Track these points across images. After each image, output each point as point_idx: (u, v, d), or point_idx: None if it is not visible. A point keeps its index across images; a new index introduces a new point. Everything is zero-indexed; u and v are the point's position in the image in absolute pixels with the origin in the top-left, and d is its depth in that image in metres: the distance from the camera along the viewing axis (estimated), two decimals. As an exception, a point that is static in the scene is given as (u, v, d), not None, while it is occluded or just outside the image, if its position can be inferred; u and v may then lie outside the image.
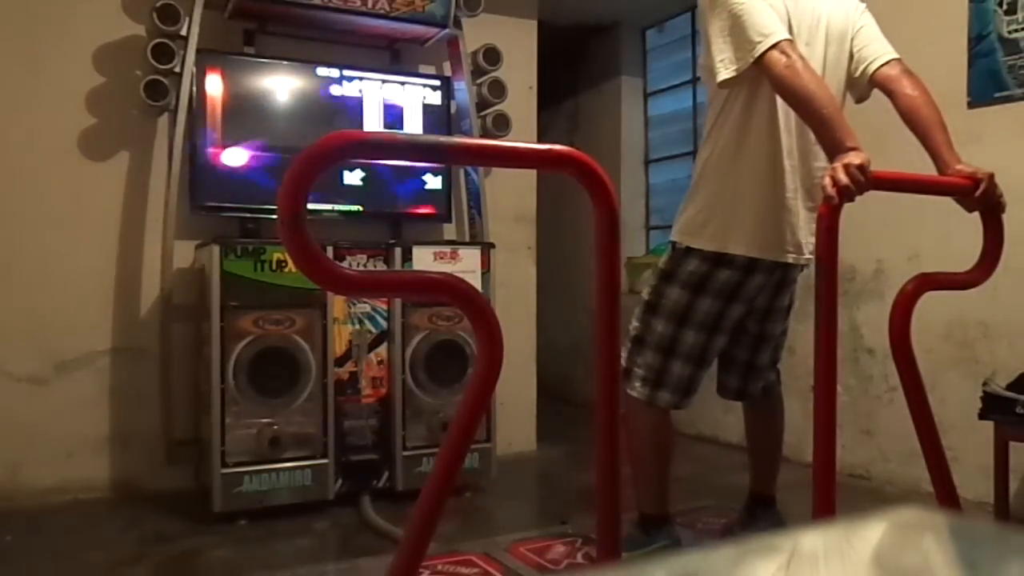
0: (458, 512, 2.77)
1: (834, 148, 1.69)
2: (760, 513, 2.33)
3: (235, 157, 3.04)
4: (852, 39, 2.02)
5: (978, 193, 1.74)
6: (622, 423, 2.10)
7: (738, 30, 1.81)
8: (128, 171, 3.10)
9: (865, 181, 1.60)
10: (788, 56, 1.75)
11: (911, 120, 1.89)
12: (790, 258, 2.03)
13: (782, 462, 2.40)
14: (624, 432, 2.10)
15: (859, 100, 2.09)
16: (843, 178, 1.59)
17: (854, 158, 1.62)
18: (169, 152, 2.95)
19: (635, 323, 2.11)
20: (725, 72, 1.85)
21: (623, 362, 2.07)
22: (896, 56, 2.00)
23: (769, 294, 2.13)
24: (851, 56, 2.03)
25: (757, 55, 1.77)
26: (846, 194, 1.60)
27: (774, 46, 1.76)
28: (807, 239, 2.03)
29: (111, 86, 3.06)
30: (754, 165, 1.96)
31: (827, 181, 1.63)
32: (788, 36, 1.80)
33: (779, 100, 1.90)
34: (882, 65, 1.98)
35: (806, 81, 1.74)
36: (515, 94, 3.59)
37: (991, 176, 1.75)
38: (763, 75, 1.85)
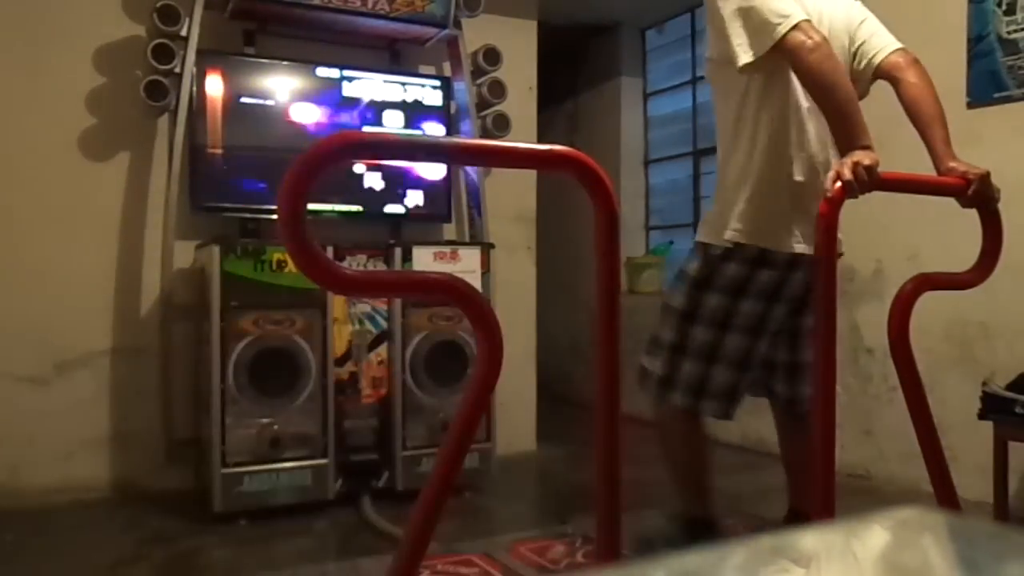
0: (458, 512, 2.77)
1: (847, 142, 1.68)
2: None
3: (235, 157, 3.04)
4: (853, 35, 2.00)
5: (970, 192, 1.73)
6: (657, 432, 2.06)
7: (755, 13, 1.75)
8: (128, 171, 3.10)
9: (869, 181, 1.60)
10: (811, 37, 1.70)
11: (912, 112, 1.87)
12: (800, 248, 1.91)
13: (780, 461, 2.40)
14: (659, 441, 2.06)
15: (859, 97, 2.04)
16: (847, 174, 1.59)
17: (864, 157, 1.61)
18: (169, 152, 2.95)
19: (669, 332, 1.98)
20: (745, 56, 1.77)
21: (658, 370, 1.99)
22: (903, 46, 1.98)
23: (806, 286, 1.97)
24: (853, 52, 2.00)
25: (779, 35, 1.71)
26: (848, 191, 1.59)
27: (795, 27, 1.71)
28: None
29: (111, 86, 3.06)
30: (788, 156, 1.89)
31: (831, 175, 1.63)
32: (807, 17, 1.75)
33: (798, 88, 1.86)
34: (890, 54, 1.95)
35: (831, 68, 1.71)
36: (515, 94, 3.59)
37: (984, 176, 1.73)
38: (780, 64, 1.80)
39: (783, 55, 1.75)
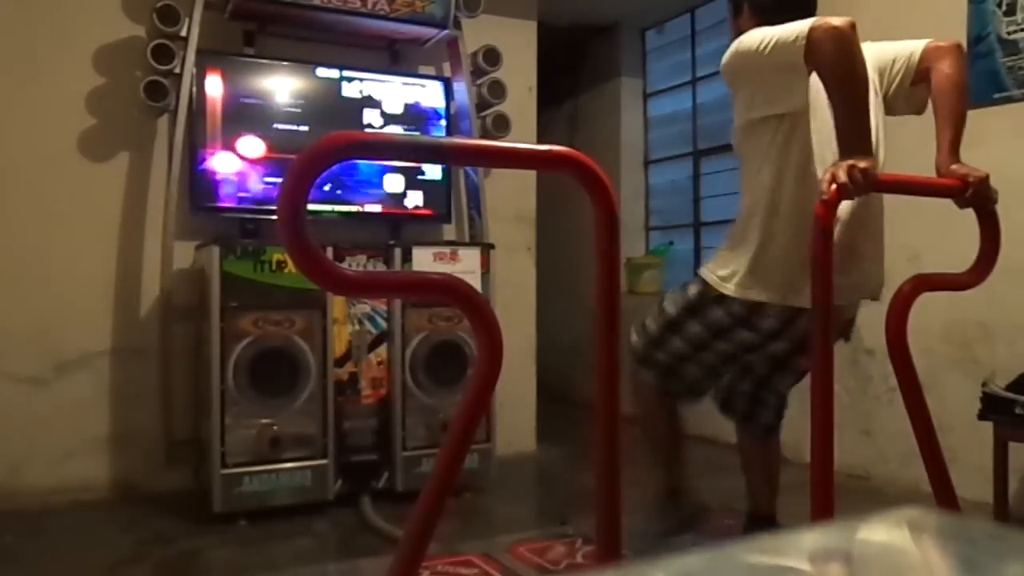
0: (458, 512, 2.77)
1: (850, 145, 1.67)
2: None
3: (235, 158, 3.04)
4: (878, 60, 1.96)
5: (968, 195, 1.73)
6: (637, 409, 2.17)
7: (775, 44, 1.74)
8: (128, 172, 3.10)
9: (864, 184, 1.61)
10: (834, 25, 1.67)
11: (934, 102, 1.87)
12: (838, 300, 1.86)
13: (782, 462, 2.40)
14: (639, 417, 2.19)
15: (919, 109, 1.99)
16: (843, 177, 1.59)
17: (860, 160, 1.62)
18: (169, 153, 2.95)
19: (654, 326, 2.11)
20: (799, 82, 1.77)
21: (638, 347, 2.14)
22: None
23: (789, 347, 2.04)
24: (888, 76, 1.97)
25: (804, 35, 1.69)
26: (844, 193, 1.60)
27: (813, 25, 1.69)
28: (860, 279, 1.95)
29: (111, 87, 3.06)
30: (792, 211, 1.87)
31: (827, 177, 1.63)
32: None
33: (822, 138, 1.85)
34: (927, 44, 1.93)
35: (857, 63, 1.68)
36: (515, 95, 3.59)
37: (983, 179, 1.72)
38: (801, 117, 1.81)
39: (812, 50, 1.70)
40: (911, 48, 1.97)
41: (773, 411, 2.25)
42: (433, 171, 3.40)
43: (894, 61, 1.98)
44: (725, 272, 1.96)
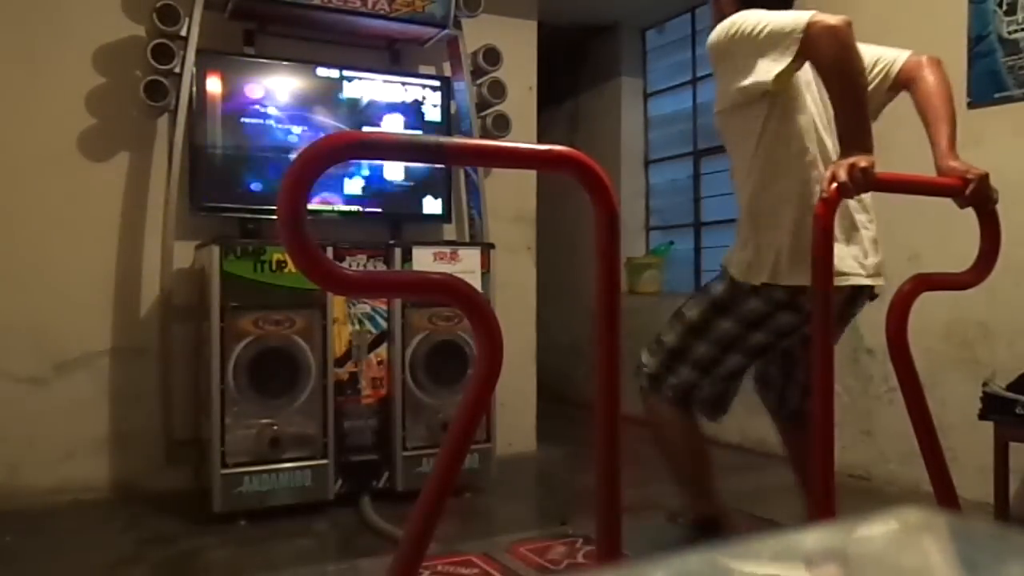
0: (458, 512, 2.77)
1: (850, 142, 1.67)
2: None
3: (235, 158, 3.04)
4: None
5: (967, 193, 1.73)
6: (653, 432, 2.06)
7: (769, 30, 1.73)
8: (128, 171, 3.10)
9: (864, 182, 1.60)
10: (831, 22, 1.67)
11: (922, 109, 1.86)
12: (855, 280, 1.86)
13: (780, 462, 2.40)
14: (656, 442, 2.06)
15: (874, 115, 1.97)
16: (843, 175, 1.59)
17: (861, 160, 1.61)
18: (169, 152, 2.95)
19: (672, 337, 2.01)
20: (776, 66, 1.73)
21: (651, 368, 2.03)
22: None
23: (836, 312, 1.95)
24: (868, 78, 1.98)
25: (802, 28, 1.67)
26: (844, 192, 1.60)
27: (811, 19, 1.68)
28: (868, 259, 1.91)
29: (111, 86, 3.06)
30: (806, 190, 1.84)
31: (827, 176, 1.63)
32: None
33: (810, 120, 1.84)
34: (908, 58, 1.94)
35: (857, 60, 1.68)
36: (515, 94, 3.59)
37: (983, 176, 1.72)
38: (792, 94, 1.79)
39: (809, 47, 1.70)
40: (894, 55, 1.96)
41: (799, 395, 2.14)
42: (433, 171, 3.39)
43: (875, 62, 1.97)
44: (760, 262, 1.88)
